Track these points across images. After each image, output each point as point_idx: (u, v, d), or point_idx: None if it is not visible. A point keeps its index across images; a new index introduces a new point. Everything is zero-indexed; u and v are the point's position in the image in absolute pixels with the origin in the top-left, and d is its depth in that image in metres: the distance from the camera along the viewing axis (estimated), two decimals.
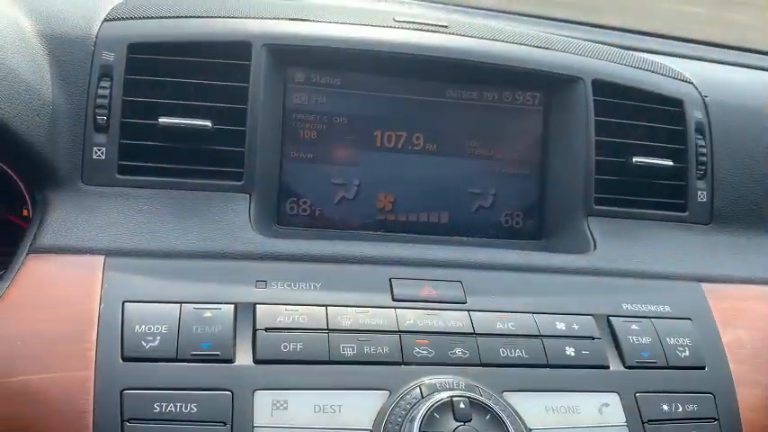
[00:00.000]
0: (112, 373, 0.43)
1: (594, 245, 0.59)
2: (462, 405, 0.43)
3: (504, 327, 0.50)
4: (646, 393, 0.49)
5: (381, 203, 0.61)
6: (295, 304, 0.48)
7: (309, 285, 0.50)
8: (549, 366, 0.48)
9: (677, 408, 0.49)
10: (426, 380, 0.45)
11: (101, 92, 0.54)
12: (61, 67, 0.54)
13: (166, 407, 0.42)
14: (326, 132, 0.60)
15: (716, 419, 0.49)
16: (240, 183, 0.55)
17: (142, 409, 0.42)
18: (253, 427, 0.42)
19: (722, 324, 0.55)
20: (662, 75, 0.67)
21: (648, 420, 0.48)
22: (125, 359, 0.43)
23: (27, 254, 0.48)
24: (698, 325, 0.54)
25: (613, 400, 0.48)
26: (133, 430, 0.41)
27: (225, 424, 0.42)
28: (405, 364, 0.46)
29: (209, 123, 0.54)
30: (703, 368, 0.52)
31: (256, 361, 0.45)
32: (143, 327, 0.45)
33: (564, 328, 0.51)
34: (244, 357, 0.45)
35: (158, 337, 0.44)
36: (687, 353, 0.52)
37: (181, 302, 0.46)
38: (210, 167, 0.55)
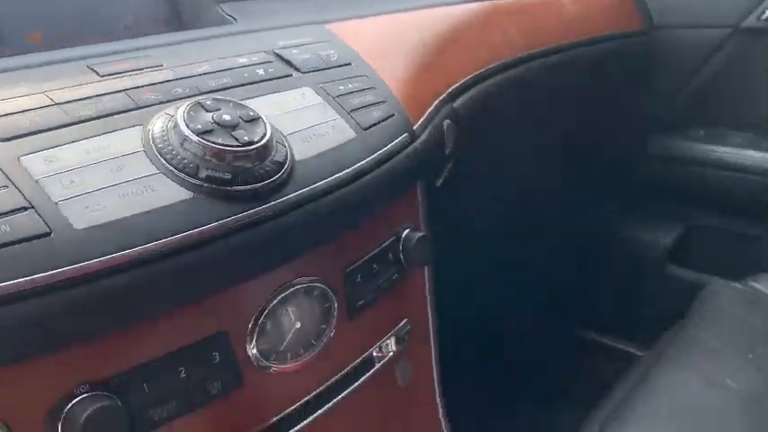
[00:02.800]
0: None
1: (235, 19, 0.70)
2: (209, 101, 0.50)
3: (203, 69, 0.58)
4: (327, 83, 0.63)
5: (32, 40, 0.62)
6: (11, 98, 0.48)
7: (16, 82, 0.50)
8: (252, 84, 0.58)
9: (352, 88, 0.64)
10: (168, 108, 0.51)
11: None
12: None
13: None
14: None
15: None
16: None
17: None
18: (35, 180, 0.43)
19: (351, 40, 0.72)
20: None
21: (337, 96, 0.62)
22: None
23: None
24: (335, 42, 0.70)
25: (308, 90, 0.61)
26: None
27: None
28: (142, 108, 0.51)
29: None
30: (350, 64, 0.68)
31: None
32: None
33: (247, 60, 0.61)
34: None
35: None
36: (337, 57, 0.67)
37: None
38: None
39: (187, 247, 0.44)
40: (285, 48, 0.65)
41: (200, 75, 0.56)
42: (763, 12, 1.14)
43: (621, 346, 1.45)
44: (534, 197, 1.16)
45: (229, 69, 0.58)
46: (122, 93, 0.51)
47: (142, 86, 0.53)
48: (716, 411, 0.81)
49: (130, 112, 0.50)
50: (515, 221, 1.13)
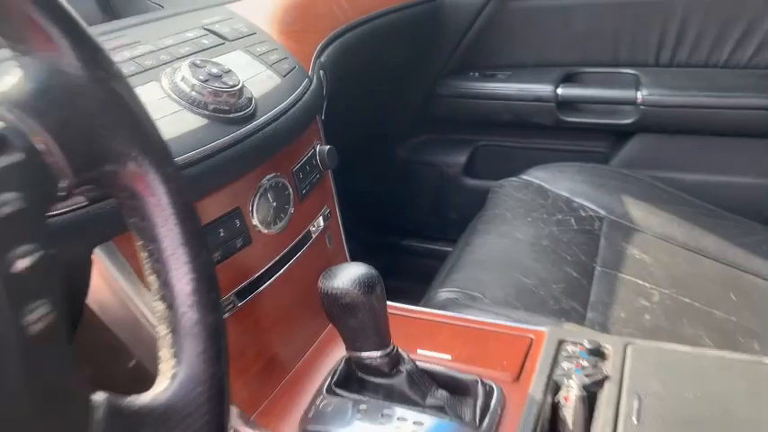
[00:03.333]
0: None
1: (161, 6, 0.92)
2: (198, 61, 0.75)
3: (169, 42, 0.80)
4: (249, 47, 0.89)
5: None
6: None
7: None
8: (205, 50, 0.83)
9: (265, 49, 0.91)
10: (165, 69, 0.74)
11: None
12: None
13: None
14: None
15: None
16: None
17: None
18: None
19: (246, 15, 0.98)
20: None
21: (258, 55, 0.88)
22: None
23: None
24: (237, 18, 0.96)
25: (239, 53, 0.86)
26: None
27: None
28: (148, 70, 0.74)
29: None
30: (255, 33, 0.94)
31: None
32: None
33: (192, 35, 0.85)
34: None
35: None
36: (245, 28, 0.93)
37: None
38: None
39: (214, 152, 0.69)
40: (210, 24, 0.90)
41: (170, 46, 0.80)
42: None
43: (438, 247, 1.86)
44: (372, 130, 1.49)
45: (186, 41, 0.82)
46: (130, 60, 0.74)
47: (140, 56, 0.75)
48: (512, 252, 1.22)
49: (141, 73, 0.73)
50: (364, 148, 1.47)
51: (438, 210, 1.82)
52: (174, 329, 0.41)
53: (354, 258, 1.02)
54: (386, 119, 1.58)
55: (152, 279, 0.42)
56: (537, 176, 1.49)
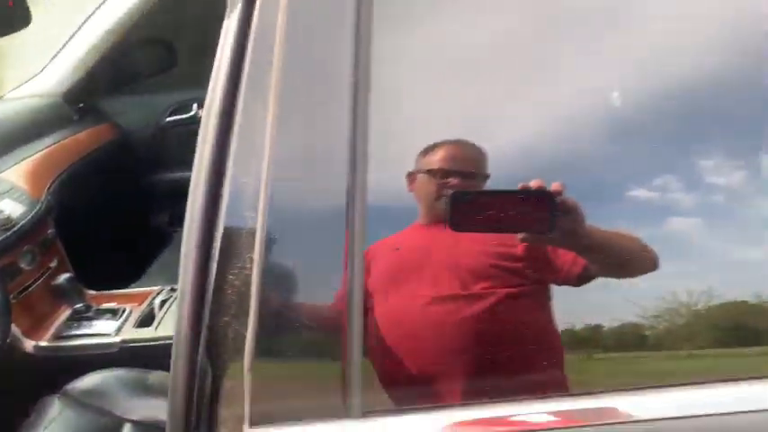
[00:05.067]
0: None
1: None
2: None
3: None
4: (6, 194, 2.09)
5: None
6: None
7: None
8: None
9: (13, 191, 2.10)
10: None
11: None
12: None
13: None
14: None
15: None
16: None
17: None
18: None
19: (7, 177, 2.16)
20: None
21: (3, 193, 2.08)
22: None
23: None
24: (4, 181, 2.15)
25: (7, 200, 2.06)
26: None
27: None
28: None
29: None
30: (11, 189, 2.13)
31: None
32: None
33: None
34: None
35: None
36: (7, 185, 2.12)
37: None
38: None
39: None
40: None
41: None
42: (166, 118, 2.88)
43: None
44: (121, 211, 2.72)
45: None
46: None
47: None
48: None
49: None
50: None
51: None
52: None
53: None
54: (124, 204, 2.83)
55: None
56: None
